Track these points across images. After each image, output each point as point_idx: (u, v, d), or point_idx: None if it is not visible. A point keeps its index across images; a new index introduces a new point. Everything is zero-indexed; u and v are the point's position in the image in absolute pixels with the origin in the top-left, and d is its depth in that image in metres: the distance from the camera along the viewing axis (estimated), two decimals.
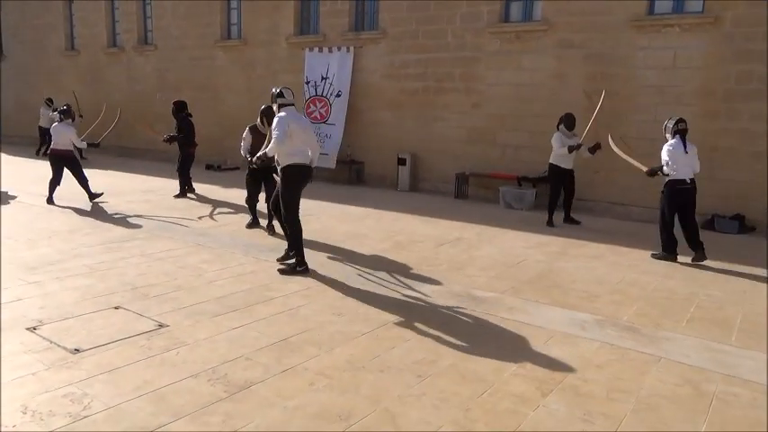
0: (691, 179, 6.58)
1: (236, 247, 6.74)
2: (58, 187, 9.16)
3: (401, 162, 11.84)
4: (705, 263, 6.57)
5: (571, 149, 8.33)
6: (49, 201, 9.05)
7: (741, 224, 8.63)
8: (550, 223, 8.58)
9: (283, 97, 5.61)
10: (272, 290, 5.20)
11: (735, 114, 8.74)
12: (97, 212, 8.61)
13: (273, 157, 5.68)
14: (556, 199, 8.67)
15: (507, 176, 10.57)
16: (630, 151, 7.42)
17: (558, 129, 8.63)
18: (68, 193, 9.43)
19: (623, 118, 9.15)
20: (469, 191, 11.20)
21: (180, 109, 10.08)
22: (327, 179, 12.87)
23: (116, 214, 8.46)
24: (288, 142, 5.46)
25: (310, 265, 5.80)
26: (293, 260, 5.79)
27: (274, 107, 5.68)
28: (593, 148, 8.43)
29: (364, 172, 12.76)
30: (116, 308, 4.57)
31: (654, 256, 6.84)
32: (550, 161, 8.62)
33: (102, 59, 17.81)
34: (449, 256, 6.69)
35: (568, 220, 8.82)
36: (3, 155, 15.47)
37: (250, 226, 7.77)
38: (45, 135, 16.00)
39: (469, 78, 11.09)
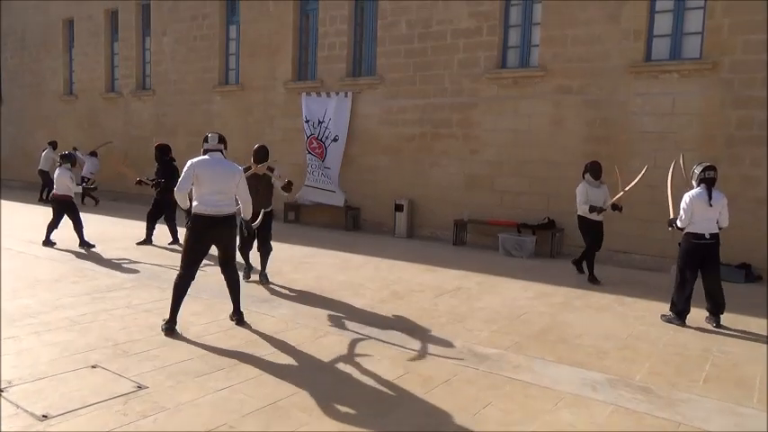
0: (712, 234, 5.93)
1: (228, 297, 6.43)
2: (55, 230, 9.30)
3: (398, 208, 11.66)
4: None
5: (592, 210, 7.73)
6: (46, 243, 9.22)
7: (748, 273, 8.40)
8: (593, 279, 7.88)
9: (207, 142, 5.37)
10: (261, 346, 4.91)
11: (736, 160, 8.62)
12: (86, 260, 8.35)
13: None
14: (591, 252, 7.97)
15: (506, 223, 10.38)
16: (678, 177, 6.61)
17: (583, 178, 7.96)
18: (60, 238, 9.25)
19: (623, 164, 8.99)
20: (468, 238, 10.99)
21: (164, 153, 9.78)
22: (324, 225, 12.70)
23: (105, 262, 8.20)
24: (195, 189, 5.15)
25: (303, 320, 5.53)
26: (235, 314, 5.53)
27: (201, 152, 5.40)
28: (616, 208, 7.79)
29: (361, 218, 12.57)
30: (93, 366, 4.26)
31: (663, 317, 6.19)
32: (578, 213, 7.94)
33: (100, 104, 17.85)
34: (449, 308, 6.42)
35: (579, 268, 8.32)
36: (2, 201, 15.25)
37: (246, 277, 7.26)
38: (47, 179, 15.98)
39: (467, 124, 11.03)
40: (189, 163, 5.19)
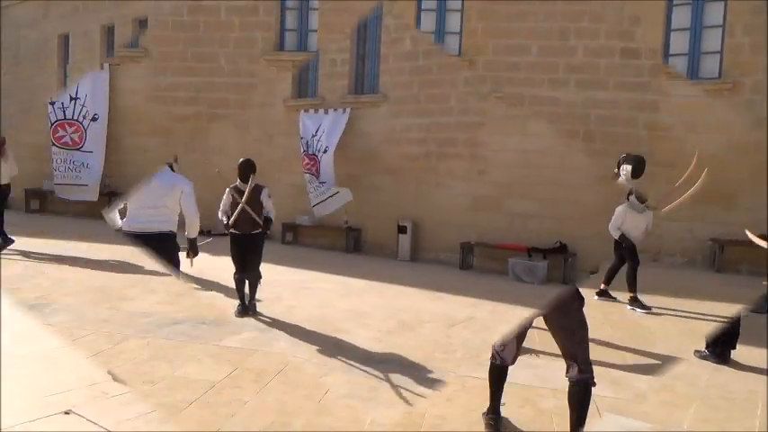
0: None
1: (223, 326, 5.93)
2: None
3: (401, 230, 11.18)
4: (751, 346, 5.76)
5: (623, 240, 7.23)
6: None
7: None
8: (637, 303, 7.16)
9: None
10: (255, 383, 4.37)
11: (761, 183, 8.21)
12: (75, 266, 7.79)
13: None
14: (633, 272, 7.24)
15: (516, 247, 9.90)
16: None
17: (627, 199, 7.30)
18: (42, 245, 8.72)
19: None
20: (475, 261, 10.51)
21: None
22: (323, 246, 12.19)
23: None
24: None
25: (304, 354, 5.02)
26: None
27: None
28: None
29: (362, 239, 12.08)
30: (66, 413, 3.72)
31: (697, 354, 5.53)
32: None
33: None
34: (463, 340, 5.90)
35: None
36: None
37: (240, 314, 6.33)
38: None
39: (474, 144, 10.62)
40: None
